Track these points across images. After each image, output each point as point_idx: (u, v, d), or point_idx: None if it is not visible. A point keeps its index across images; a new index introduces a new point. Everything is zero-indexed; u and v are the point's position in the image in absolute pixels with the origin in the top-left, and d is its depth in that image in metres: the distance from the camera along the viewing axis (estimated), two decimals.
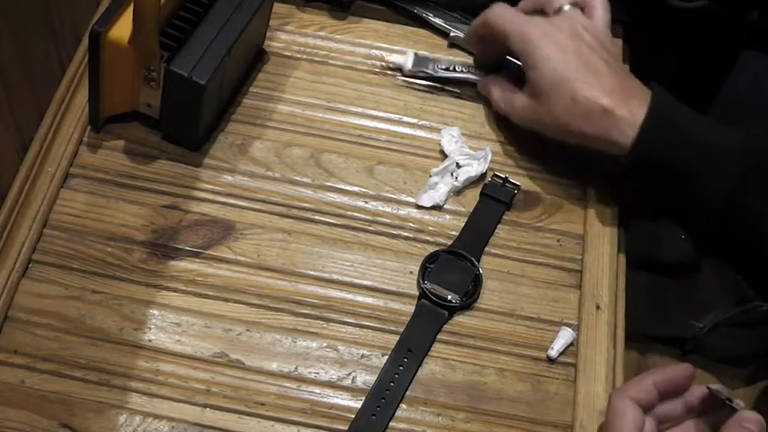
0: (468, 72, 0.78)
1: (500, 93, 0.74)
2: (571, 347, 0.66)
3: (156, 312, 0.65)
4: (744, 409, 0.56)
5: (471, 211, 0.71)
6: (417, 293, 0.67)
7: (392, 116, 0.76)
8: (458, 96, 0.78)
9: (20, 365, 0.62)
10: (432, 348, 0.65)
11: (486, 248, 0.70)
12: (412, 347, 0.64)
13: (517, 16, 0.72)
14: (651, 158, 0.65)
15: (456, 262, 0.68)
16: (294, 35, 0.80)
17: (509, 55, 0.74)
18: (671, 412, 0.59)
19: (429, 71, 0.77)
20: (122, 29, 0.65)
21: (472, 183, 0.72)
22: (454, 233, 0.70)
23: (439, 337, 0.65)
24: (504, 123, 0.76)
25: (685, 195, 0.65)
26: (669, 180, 0.66)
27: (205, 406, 0.61)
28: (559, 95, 0.67)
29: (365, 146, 0.74)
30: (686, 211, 0.67)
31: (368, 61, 0.79)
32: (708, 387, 0.58)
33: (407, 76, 0.78)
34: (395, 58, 0.78)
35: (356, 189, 0.72)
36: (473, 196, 0.72)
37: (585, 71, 0.67)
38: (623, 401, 0.57)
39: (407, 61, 0.78)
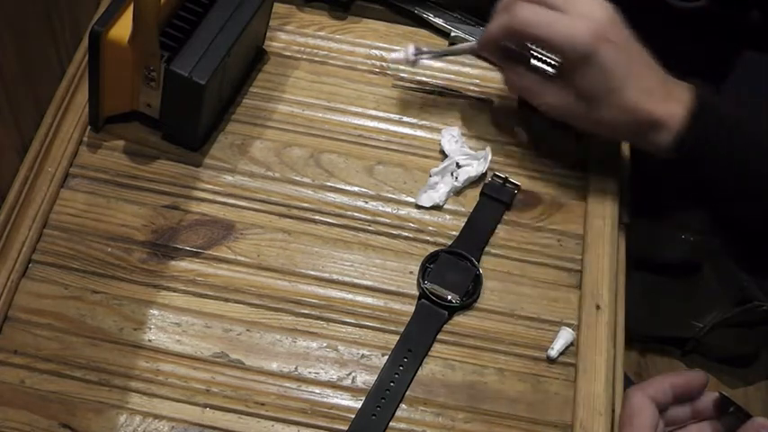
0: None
1: (528, 83, 0.70)
2: (571, 347, 0.66)
3: (156, 312, 0.65)
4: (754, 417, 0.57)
5: (471, 211, 0.71)
6: (417, 293, 0.67)
7: (392, 116, 0.76)
8: (458, 96, 0.78)
9: (20, 365, 0.62)
10: (432, 348, 0.65)
11: (486, 248, 0.70)
12: (412, 347, 0.64)
13: (550, 17, 0.66)
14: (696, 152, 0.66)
15: (456, 262, 0.68)
16: (294, 35, 0.80)
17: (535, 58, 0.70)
18: (679, 415, 0.59)
19: (427, 56, 0.77)
20: (122, 29, 0.65)
21: (472, 183, 0.72)
22: (454, 233, 0.70)
23: (439, 337, 0.65)
24: (504, 123, 0.76)
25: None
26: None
27: (205, 406, 0.61)
28: (609, 103, 0.66)
29: (365, 146, 0.74)
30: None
31: (368, 61, 0.79)
32: (720, 393, 0.58)
33: (413, 65, 0.77)
34: (395, 55, 0.77)
35: (356, 189, 0.72)
36: (473, 196, 0.72)
37: (635, 78, 0.66)
38: (644, 399, 0.57)
39: (408, 51, 0.76)
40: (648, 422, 0.57)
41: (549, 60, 0.68)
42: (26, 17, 0.66)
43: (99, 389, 0.61)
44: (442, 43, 0.81)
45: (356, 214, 0.70)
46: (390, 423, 0.62)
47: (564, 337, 0.66)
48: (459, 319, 0.66)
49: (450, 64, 0.79)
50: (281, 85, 0.77)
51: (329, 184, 0.72)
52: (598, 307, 0.67)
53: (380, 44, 0.80)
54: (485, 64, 0.80)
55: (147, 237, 0.68)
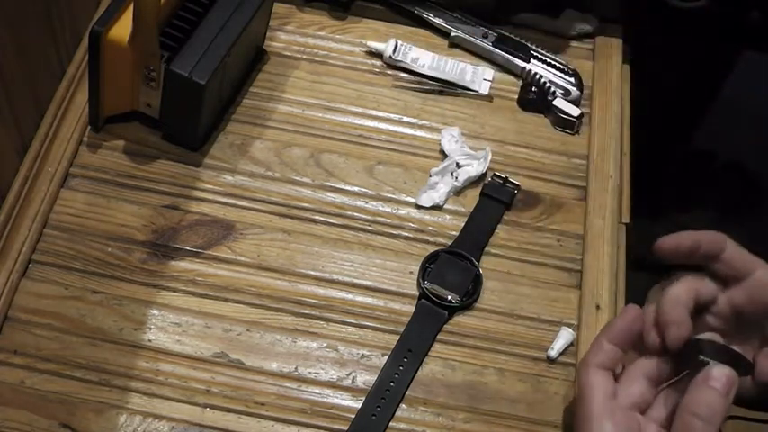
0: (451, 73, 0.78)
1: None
2: (571, 347, 0.66)
3: (156, 312, 0.65)
4: (713, 364, 0.52)
5: (471, 211, 0.71)
6: (417, 293, 0.67)
7: (392, 116, 0.76)
8: (458, 96, 0.78)
9: (20, 365, 0.62)
10: (432, 348, 0.65)
11: (486, 248, 0.69)
12: (412, 347, 0.64)
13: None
14: None
15: (456, 262, 0.68)
16: (294, 35, 0.80)
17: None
18: (664, 371, 0.55)
19: (408, 63, 0.78)
20: (122, 29, 0.65)
21: (472, 183, 0.72)
22: (454, 233, 0.70)
23: (439, 337, 0.65)
24: (504, 123, 0.76)
25: None
26: None
27: (205, 406, 0.61)
28: None
29: (365, 146, 0.74)
30: None
31: (368, 61, 0.79)
32: (695, 338, 0.54)
33: (388, 65, 0.78)
34: (375, 45, 0.79)
35: (356, 189, 0.72)
36: (473, 196, 0.72)
37: None
38: (588, 372, 0.54)
39: (388, 48, 0.78)
40: (601, 393, 0.53)
41: None
42: (26, 17, 0.66)
43: (99, 389, 0.61)
44: (441, 43, 0.81)
45: (356, 214, 0.70)
46: (390, 423, 0.62)
47: (564, 337, 0.66)
48: (459, 319, 0.66)
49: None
50: (281, 85, 0.77)
51: (329, 184, 0.72)
52: (598, 307, 0.67)
53: (380, 44, 0.80)
54: (484, 64, 0.80)
55: (147, 237, 0.68)
